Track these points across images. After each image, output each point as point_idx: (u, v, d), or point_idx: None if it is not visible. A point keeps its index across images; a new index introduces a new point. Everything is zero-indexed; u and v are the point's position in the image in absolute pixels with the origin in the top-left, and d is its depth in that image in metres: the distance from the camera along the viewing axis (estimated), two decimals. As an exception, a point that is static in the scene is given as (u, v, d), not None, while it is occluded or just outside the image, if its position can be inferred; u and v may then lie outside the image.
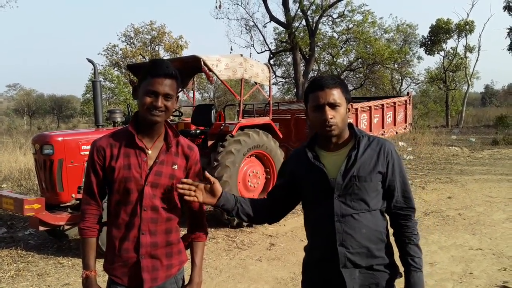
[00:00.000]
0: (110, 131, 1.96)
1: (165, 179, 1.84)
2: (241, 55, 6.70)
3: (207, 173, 1.86)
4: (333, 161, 1.82)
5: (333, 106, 1.76)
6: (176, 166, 1.88)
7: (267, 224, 6.34)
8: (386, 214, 1.89)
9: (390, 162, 1.81)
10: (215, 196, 1.87)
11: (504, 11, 26.10)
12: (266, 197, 2.06)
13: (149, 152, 1.86)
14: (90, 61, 5.71)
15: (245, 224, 6.32)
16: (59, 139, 5.05)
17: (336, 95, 1.77)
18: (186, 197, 1.82)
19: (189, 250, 2.02)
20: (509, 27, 26.24)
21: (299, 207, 2.03)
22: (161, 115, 1.79)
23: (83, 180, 1.96)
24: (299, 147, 1.99)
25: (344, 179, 1.76)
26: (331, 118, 1.75)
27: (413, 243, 1.84)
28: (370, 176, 1.77)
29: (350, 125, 1.89)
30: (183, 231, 2.01)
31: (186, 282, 1.98)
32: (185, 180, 1.83)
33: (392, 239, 1.89)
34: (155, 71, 1.77)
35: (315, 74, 26.46)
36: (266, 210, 2.00)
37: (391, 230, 1.90)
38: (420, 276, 1.80)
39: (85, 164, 4.79)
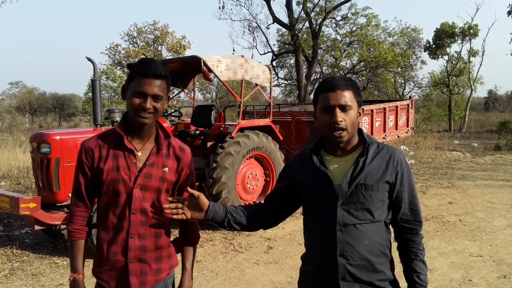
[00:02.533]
0: (101, 132, 1.91)
1: (155, 182, 1.79)
2: (242, 56, 6.66)
3: (189, 189, 1.80)
4: (339, 167, 1.74)
5: (344, 108, 1.67)
6: (167, 169, 1.83)
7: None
8: (390, 227, 1.81)
9: (399, 172, 1.73)
10: (202, 210, 1.80)
11: (508, 16, 25.98)
12: (263, 201, 1.99)
13: (139, 154, 1.81)
14: (90, 60, 5.68)
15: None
16: (57, 138, 5.02)
17: (347, 97, 1.68)
18: (174, 216, 1.76)
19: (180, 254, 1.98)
20: (513, 32, 26.12)
21: (299, 210, 1.96)
22: (150, 117, 1.74)
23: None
24: (302, 150, 1.90)
25: (350, 186, 1.68)
26: (341, 121, 1.66)
27: (419, 259, 1.77)
28: (377, 185, 1.69)
29: (359, 131, 1.81)
30: (175, 235, 1.96)
31: (176, 287, 1.94)
32: (170, 198, 1.78)
33: (393, 252, 1.81)
34: (143, 71, 1.71)
35: (318, 77, 26.45)
36: (261, 216, 1.93)
37: (394, 244, 1.82)
38: None
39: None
